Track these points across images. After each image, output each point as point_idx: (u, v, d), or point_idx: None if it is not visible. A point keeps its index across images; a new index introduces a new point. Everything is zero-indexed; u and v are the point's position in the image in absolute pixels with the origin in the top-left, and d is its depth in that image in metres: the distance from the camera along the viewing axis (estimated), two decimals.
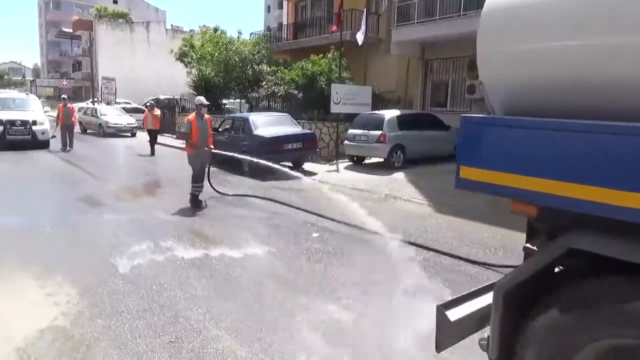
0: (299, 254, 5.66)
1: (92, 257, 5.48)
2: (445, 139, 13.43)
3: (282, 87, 17.30)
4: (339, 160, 13.74)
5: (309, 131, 13.73)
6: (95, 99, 33.01)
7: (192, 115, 8.08)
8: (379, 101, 17.02)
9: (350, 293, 4.49)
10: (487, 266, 5.20)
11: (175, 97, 25.78)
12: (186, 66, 23.68)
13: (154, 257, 5.43)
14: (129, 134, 22.74)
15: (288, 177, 9.37)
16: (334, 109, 14.31)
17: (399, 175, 11.45)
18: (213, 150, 8.52)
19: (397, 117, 12.70)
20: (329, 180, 11.07)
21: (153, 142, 16.04)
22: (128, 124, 22.83)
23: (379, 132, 12.21)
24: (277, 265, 5.32)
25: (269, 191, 9.61)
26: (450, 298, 2.61)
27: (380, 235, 6.32)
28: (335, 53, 16.66)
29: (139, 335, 3.66)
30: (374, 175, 11.60)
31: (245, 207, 8.30)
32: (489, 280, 4.79)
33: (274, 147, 11.74)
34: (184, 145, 8.61)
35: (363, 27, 14.91)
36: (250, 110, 20.03)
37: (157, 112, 16.82)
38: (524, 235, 2.78)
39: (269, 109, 18.55)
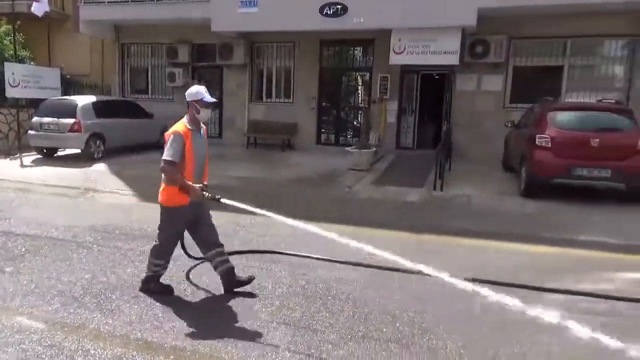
0: None
1: None
2: (149, 127, 13.20)
3: None
4: (24, 154, 11.87)
5: None
6: None
7: (182, 125, 3.95)
8: (70, 86, 15.33)
9: (35, 299, 4.04)
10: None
11: None
12: None
13: None
14: None
15: None
16: (12, 92, 12.24)
17: (100, 167, 10.68)
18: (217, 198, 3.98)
19: (93, 103, 11.72)
20: (12, 177, 9.43)
21: None
22: None
23: (71, 120, 11.01)
24: None
25: None
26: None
27: (78, 232, 5.85)
28: (8, 26, 14.04)
29: None
30: (70, 168, 10.47)
31: None
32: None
33: None
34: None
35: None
36: None
37: None
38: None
39: None
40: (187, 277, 4.54)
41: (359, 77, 14.52)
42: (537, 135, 8.13)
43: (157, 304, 3.96)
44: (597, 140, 7.72)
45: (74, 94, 13.76)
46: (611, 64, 11.88)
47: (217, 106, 15.07)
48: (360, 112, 14.27)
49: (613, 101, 9.18)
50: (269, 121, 14.22)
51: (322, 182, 9.53)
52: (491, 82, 12.35)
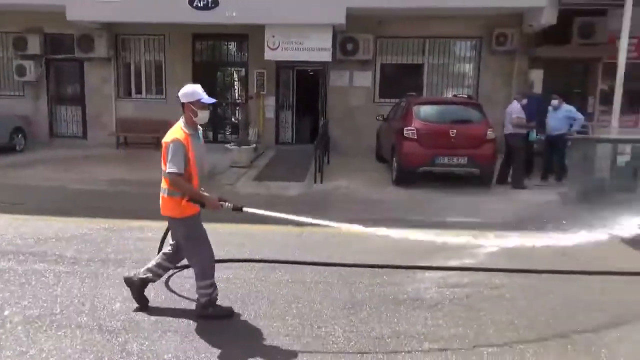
0: None
1: None
2: None
3: None
4: None
5: None
6: None
7: (180, 130, 3.66)
8: None
9: None
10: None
11: None
12: None
13: None
14: None
15: None
16: None
17: None
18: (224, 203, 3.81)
19: None
20: None
21: None
22: None
23: None
24: None
25: None
26: None
27: None
28: None
29: None
30: None
31: None
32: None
33: None
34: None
35: None
36: None
37: None
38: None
39: None
40: (167, 286, 4.21)
41: (234, 73, 14.28)
42: (405, 128, 8.79)
43: (20, 327, 3.50)
44: (455, 131, 8.60)
45: None
46: (462, 63, 13.28)
47: (79, 104, 13.78)
48: (238, 108, 14.07)
49: (466, 96, 10.31)
50: (139, 119, 13.30)
51: (202, 181, 9.22)
52: (362, 78, 13.02)
